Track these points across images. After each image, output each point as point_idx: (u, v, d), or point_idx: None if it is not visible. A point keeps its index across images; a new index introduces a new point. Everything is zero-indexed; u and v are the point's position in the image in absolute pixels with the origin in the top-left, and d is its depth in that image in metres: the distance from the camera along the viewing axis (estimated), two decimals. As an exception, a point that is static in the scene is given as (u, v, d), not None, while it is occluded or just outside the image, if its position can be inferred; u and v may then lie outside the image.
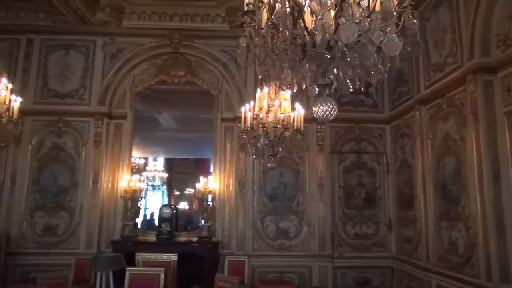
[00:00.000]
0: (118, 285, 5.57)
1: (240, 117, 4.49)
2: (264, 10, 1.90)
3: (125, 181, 7.28)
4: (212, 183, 7.40)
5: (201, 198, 7.41)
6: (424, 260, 5.92)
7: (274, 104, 4.28)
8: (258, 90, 4.46)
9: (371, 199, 7.41)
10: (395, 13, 1.74)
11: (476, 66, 4.80)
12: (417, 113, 6.23)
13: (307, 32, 1.76)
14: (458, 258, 5.09)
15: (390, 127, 7.53)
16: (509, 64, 4.50)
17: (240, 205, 7.27)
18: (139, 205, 7.56)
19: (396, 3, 1.80)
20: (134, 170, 7.69)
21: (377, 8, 1.75)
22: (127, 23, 7.37)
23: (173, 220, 7.30)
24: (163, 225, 7.17)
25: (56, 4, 6.61)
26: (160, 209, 7.44)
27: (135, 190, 7.28)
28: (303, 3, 1.77)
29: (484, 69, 4.74)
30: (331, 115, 1.90)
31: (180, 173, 8.69)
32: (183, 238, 7.27)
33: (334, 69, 1.88)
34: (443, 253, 5.45)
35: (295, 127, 4.24)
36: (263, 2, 1.89)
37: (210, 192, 7.36)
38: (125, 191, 7.21)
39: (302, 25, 1.78)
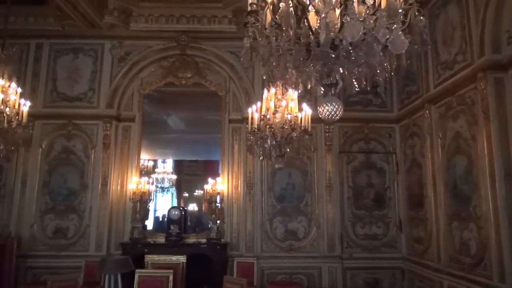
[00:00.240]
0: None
1: (248, 118, 4.48)
2: (268, 10, 1.88)
3: (134, 183, 7.31)
4: (220, 185, 7.40)
5: (210, 199, 7.40)
6: (435, 261, 5.84)
7: (281, 104, 4.25)
8: (265, 91, 4.44)
9: (381, 199, 7.34)
10: (400, 10, 1.71)
11: (487, 64, 4.72)
12: (427, 112, 6.15)
13: (311, 31, 1.74)
14: (470, 259, 5.01)
15: (399, 127, 7.45)
16: (520, 61, 4.43)
17: (248, 206, 7.26)
18: (148, 207, 7.58)
19: (402, 0, 1.77)
20: (143, 172, 7.72)
21: (383, 5, 1.72)
22: (135, 26, 7.44)
23: (181, 222, 7.30)
24: (171, 227, 7.17)
25: (64, 8, 6.69)
26: (169, 211, 7.45)
27: (144, 192, 7.29)
28: (307, 2, 1.74)
29: (495, 67, 4.67)
30: (337, 115, 1.88)
31: (189, 175, 8.71)
32: (191, 239, 7.28)
33: (340, 68, 1.86)
34: (454, 253, 5.37)
35: (302, 128, 4.21)
36: (266, 2, 1.87)
37: (218, 193, 7.35)
38: (134, 193, 7.24)
39: (306, 24, 1.75)
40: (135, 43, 7.66)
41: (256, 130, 4.21)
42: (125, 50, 7.68)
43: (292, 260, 7.08)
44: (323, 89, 1.98)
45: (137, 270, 5.23)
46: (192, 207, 8.25)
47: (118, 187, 7.38)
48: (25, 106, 4.84)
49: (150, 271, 5.75)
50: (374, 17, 1.67)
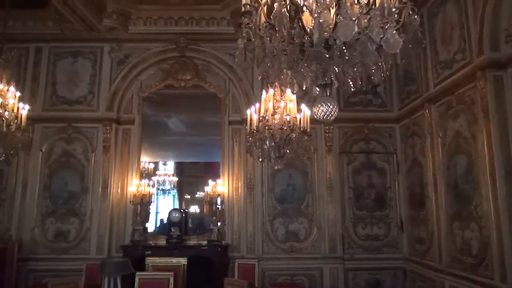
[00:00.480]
0: (128, 290, 5.58)
1: (247, 120, 4.47)
2: (261, 11, 1.87)
3: (134, 186, 7.30)
4: (221, 186, 7.38)
5: (210, 201, 7.39)
6: (437, 261, 5.81)
7: (280, 105, 4.24)
8: (264, 92, 4.43)
9: (382, 199, 7.31)
10: (394, 9, 1.69)
11: (486, 62, 4.70)
12: (426, 111, 6.13)
13: (305, 31, 1.73)
14: (471, 259, 4.98)
15: (399, 126, 7.43)
16: (519, 59, 4.41)
17: (249, 208, 7.24)
18: (149, 209, 7.57)
19: (396, -1, 1.75)
20: (144, 175, 7.72)
21: (377, 4, 1.71)
22: (134, 29, 7.43)
23: (182, 224, 7.30)
24: (172, 229, 7.17)
25: (63, 12, 6.69)
26: (169, 213, 7.44)
27: (144, 195, 7.29)
28: (300, 2, 1.73)
29: (494, 65, 4.65)
30: (332, 115, 1.86)
31: (190, 177, 8.70)
32: (192, 241, 7.27)
33: (335, 68, 1.85)
34: (456, 253, 5.34)
35: (301, 129, 4.20)
36: (259, 3, 1.86)
37: (218, 195, 7.34)
38: (134, 195, 7.23)
39: (300, 24, 1.74)
40: (134, 46, 7.67)
41: (255, 131, 4.20)
42: (124, 53, 7.69)
43: (293, 262, 7.05)
44: (318, 90, 1.96)
45: (137, 273, 5.21)
46: (194, 209, 8.24)
47: (119, 190, 7.38)
48: (24, 109, 4.85)
49: (151, 274, 5.73)
50: (368, 16, 1.66)
